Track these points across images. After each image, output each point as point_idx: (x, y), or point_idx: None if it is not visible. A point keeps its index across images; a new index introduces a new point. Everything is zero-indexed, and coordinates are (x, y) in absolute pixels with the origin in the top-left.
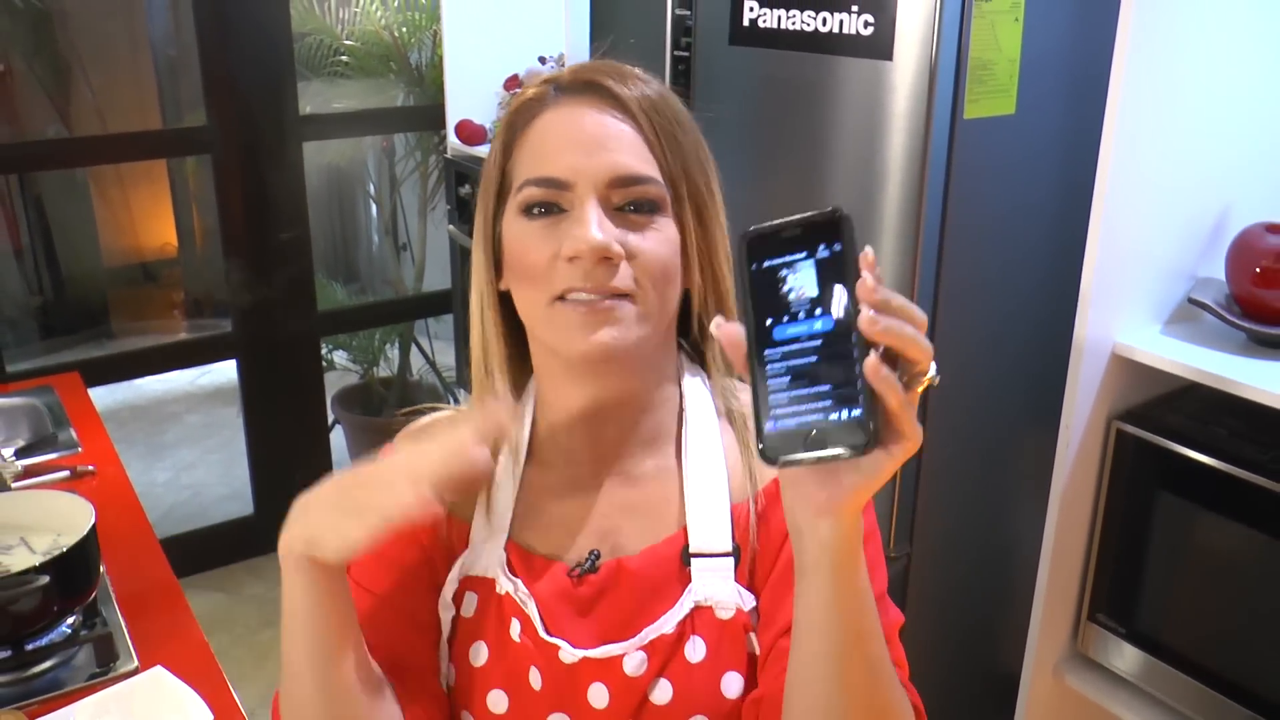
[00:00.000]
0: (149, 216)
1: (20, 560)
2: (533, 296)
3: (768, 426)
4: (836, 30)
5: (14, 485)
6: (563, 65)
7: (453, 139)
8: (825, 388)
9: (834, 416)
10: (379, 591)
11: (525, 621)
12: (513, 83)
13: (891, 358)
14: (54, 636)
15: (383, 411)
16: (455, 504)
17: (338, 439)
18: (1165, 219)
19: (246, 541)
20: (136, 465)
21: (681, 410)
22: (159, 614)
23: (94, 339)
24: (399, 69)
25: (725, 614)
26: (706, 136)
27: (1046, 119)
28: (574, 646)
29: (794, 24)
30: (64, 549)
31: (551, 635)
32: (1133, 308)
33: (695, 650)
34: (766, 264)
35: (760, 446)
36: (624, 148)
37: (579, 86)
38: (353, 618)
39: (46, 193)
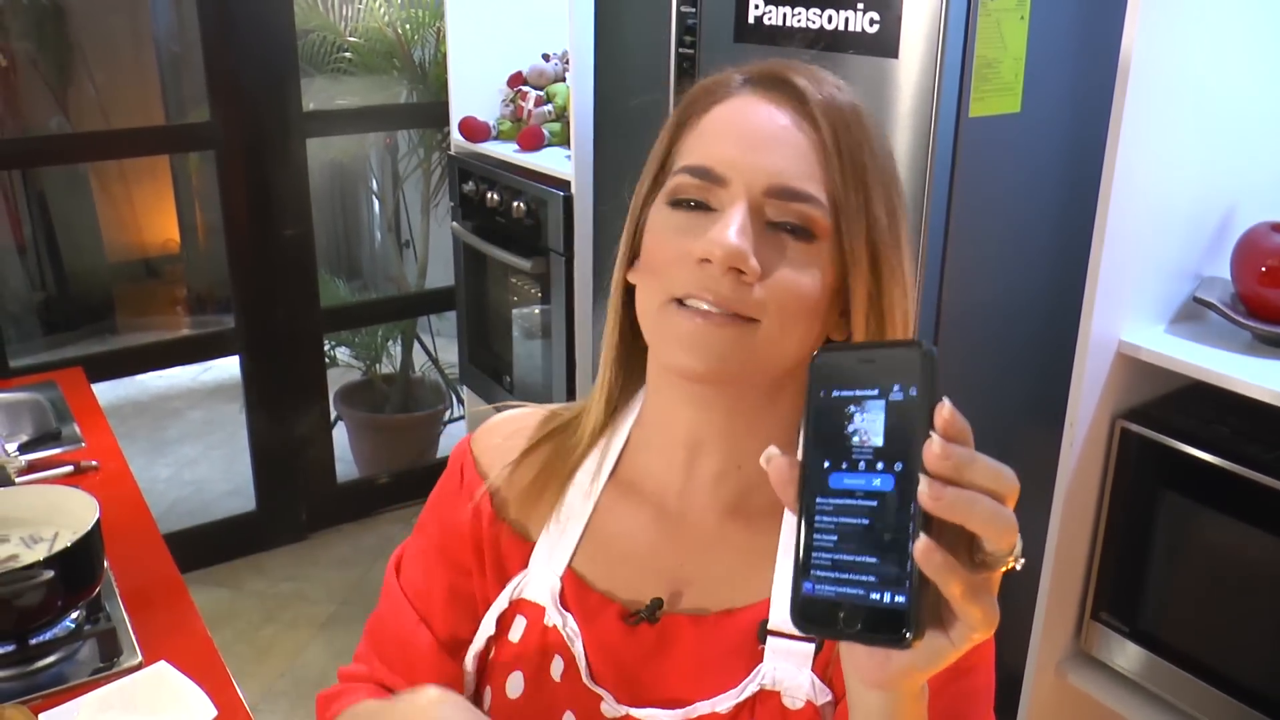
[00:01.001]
0: (152, 212)
1: (24, 555)
2: (651, 293)
3: (805, 588)
4: (841, 27)
5: (18, 480)
6: (566, 63)
7: (456, 136)
8: (873, 560)
9: (876, 597)
10: (416, 604)
11: (569, 662)
12: (516, 80)
13: (967, 533)
14: (58, 631)
15: (385, 409)
16: (518, 522)
17: (340, 436)
18: (1171, 218)
19: (249, 537)
20: (139, 461)
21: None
22: (162, 609)
23: (97, 335)
24: (402, 66)
25: (794, 704)
26: None
27: (1052, 117)
28: (618, 701)
29: (799, 21)
30: (68, 544)
31: (596, 684)
32: (1138, 306)
33: None
34: (835, 395)
35: (792, 610)
36: (793, 154)
37: (767, 80)
38: None
39: (49, 188)
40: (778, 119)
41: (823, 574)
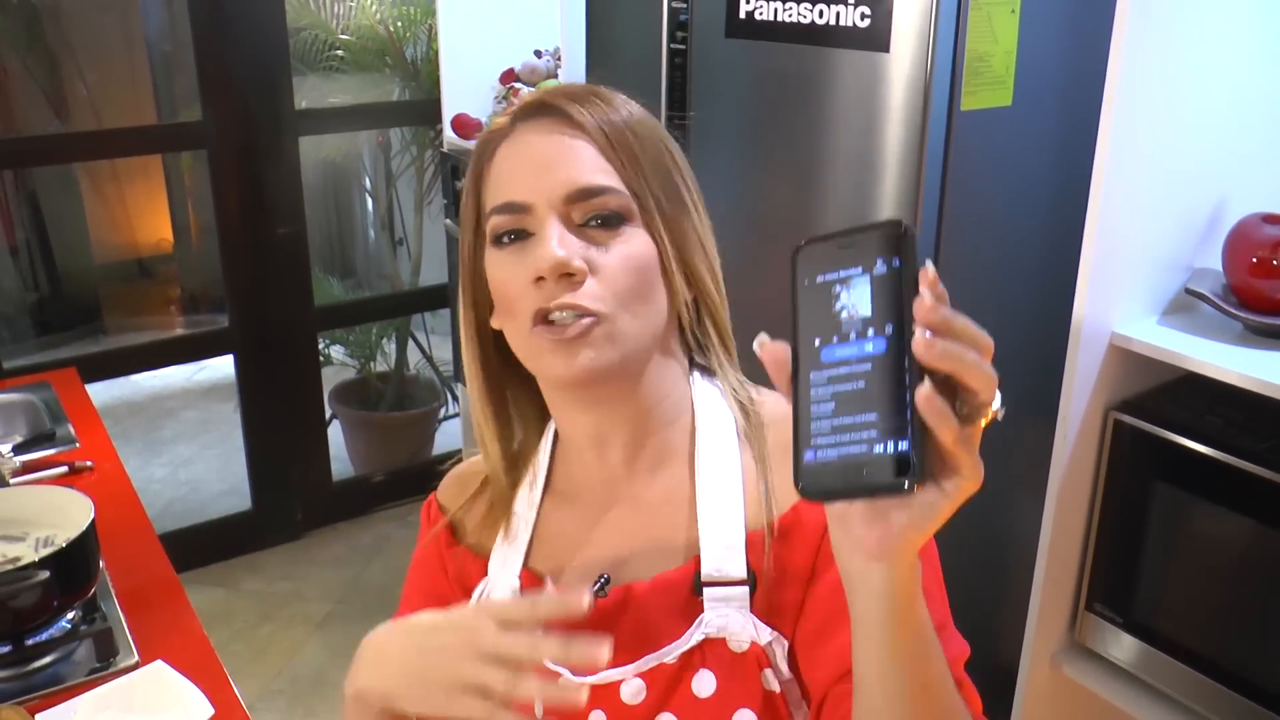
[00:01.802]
0: (144, 212)
1: (19, 556)
2: (514, 328)
3: (806, 457)
4: (833, 22)
5: (12, 481)
6: (558, 59)
7: (449, 133)
8: (872, 416)
9: (879, 449)
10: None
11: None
12: (509, 76)
13: (951, 386)
14: (54, 632)
15: (380, 407)
16: (477, 544)
17: (335, 434)
18: (1162, 210)
19: (244, 537)
20: (134, 461)
21: (694, 427)
22: (159, 609)
23: (90, 335)
24: (394, 63)
25: (739, 647)
26: (702, 131)
27: (1043, 111)
28: (574, 674)
29: (790, 16)
30: (64, 544)
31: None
32: (1130, 298)
33: (703, 684)
34: (819, 279)
35: (796, 479)
36: (579, 162)
37: (534, 110)
38: None
39: (41, 189)
40: (552, 139)
41: (824, 440)
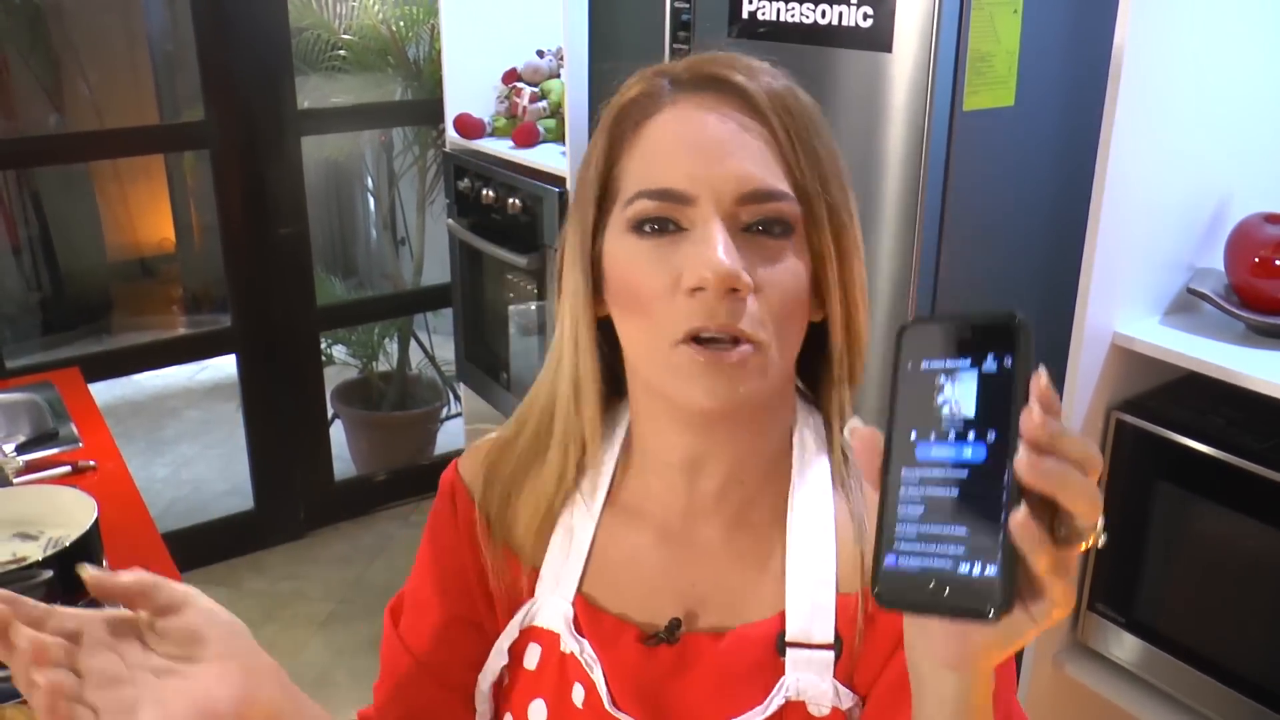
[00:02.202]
0: (147, 212)
1: (23, 555)
2: (648, 336)
3: (887, 561)
4: (835, 22)
5: (15, 481)
6: (561, 59)
7: (451, 133)
8: (962, 531)
9: (965, 569)
10: (417, 652)
11: (590, 689)
12: (511, 76)
13: (1051, 503)
14: None
15: (382, 406)
16: (523, 549)
17: (337, 434)
18: (1164, 209)
19: (246, 537)
20: (136, 461)
21: (792, 468)
22: None
23: (93, 335)
24: (397, 63)
25: (819, 711)
26: None
27: (1046, 111)
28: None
29: (793, 16)
30: (67, 544)
31: (619, 709)
32: (1132, 298)
33: None
34: (925, 366)
35: (874, 583)
36: (754, 156)
37: (699, 81)
38: None
39: (44, 189)
40: (725, 122)
41: (908, 546)
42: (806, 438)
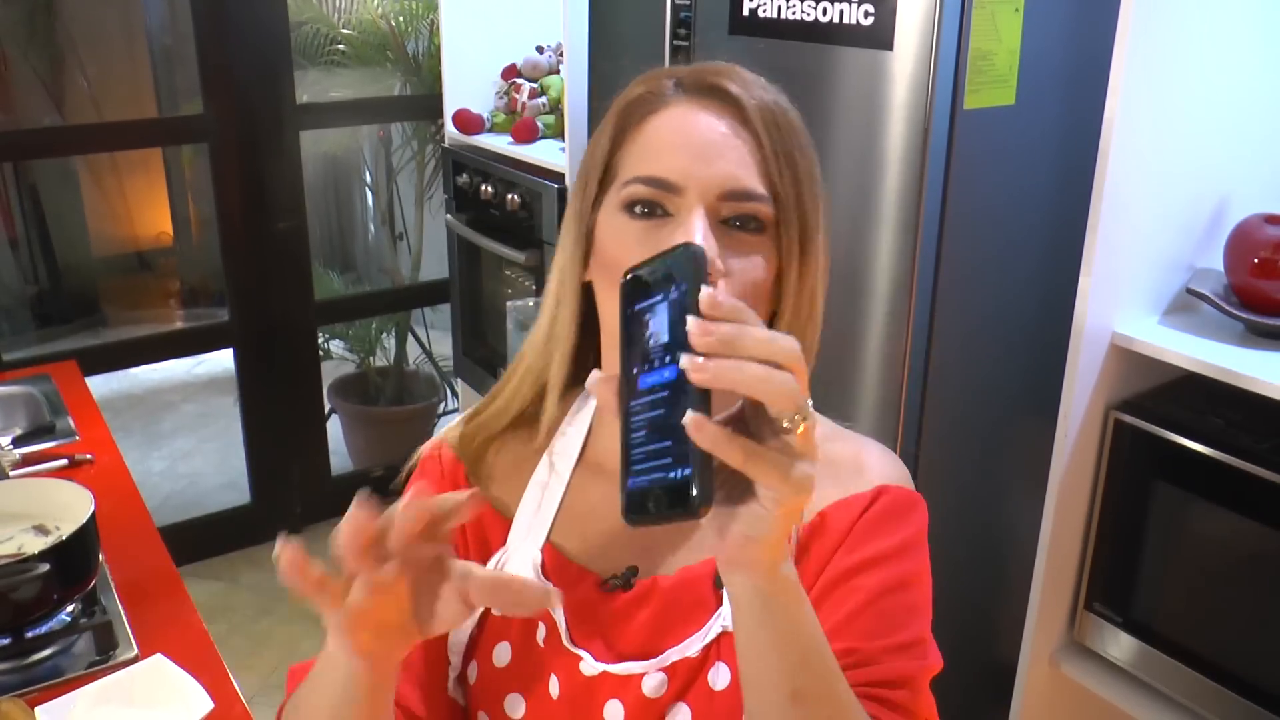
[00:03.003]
0: (144, 205)
1: (19, 548)
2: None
3: (629, 484)
4: (836, 20)
5: (12, 474)
6: (560, 55)
7: (450, 128)
8: (668, 443)
9: (672, 475)
10: None
11: (551, 627)
12: (510, 72)
13: (758, 405)
14: (54, 624)
15: (379, 401)
16: (499, 500)
17: (334, 428)
18: (1164, 210)
19: (243, 530)
20: (133, 454)
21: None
22: (158, 602)
23: (89, 328)
24: (396, 58)
25: None
26: None
27: (1046, 110)
28: (596, 660)
29: (794, 14)
30: (64, 537)
31: (576, 645)
32: (1131, 298)
33: (719, 677)
34: (636, 307)
35: (623, 507)
36: (739, 159)
37: (701, 88)
38: (390, 692)
39: (41, 182)
40: (718, 126)
41: (639, 466)
42: None
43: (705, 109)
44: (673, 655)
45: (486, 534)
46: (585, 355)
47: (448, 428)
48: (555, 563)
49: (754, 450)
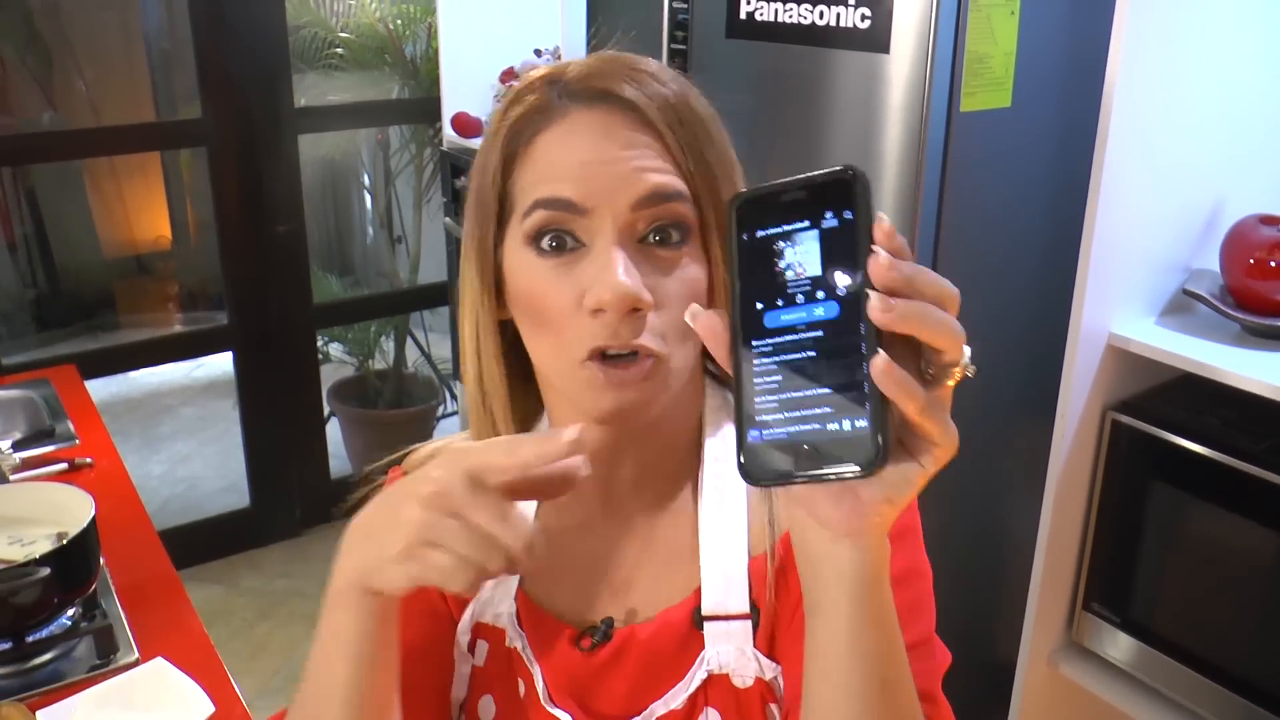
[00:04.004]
0: (143, 209)
1: (20, 553)
2: (554, 353)
3: (750, 437)
4: (833, 23)
5: (12, 478)
6: (558, 58)
7: (448, 131)
8: (825, 390)
9: (834, 426)
10: (405, 638)
11: (530, 685)
12: (508, 75)
13: (915, 346)
14: (54, 629)
15: (378, 404)
16: None
17: (334, 431)
18: (1160, 211)
19: (243, 534)
20: (132, 458)
21: (702, 446)
22: (159, 606)
23: (88, 332)
24: (394, 61)
25: (743, 683)
26: None
27: (1042, 112)
28: None
29: (790, 17)
30: (64, 541)
31: (555, 705)
32: (1128, 299)
33: None
34: (760, 234)
35: (741, 462)
36: (645, 163)
37: (590, 94)
38: (396, 646)
39: (40, 185)
40: (616, 133)
41: (771, 418)
42: (720, 417)
43: (599, 117)
44: (658, 710)
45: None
46: (524, 395)
47: (408, 460)
48: (529, 612)
49: (931, 401)
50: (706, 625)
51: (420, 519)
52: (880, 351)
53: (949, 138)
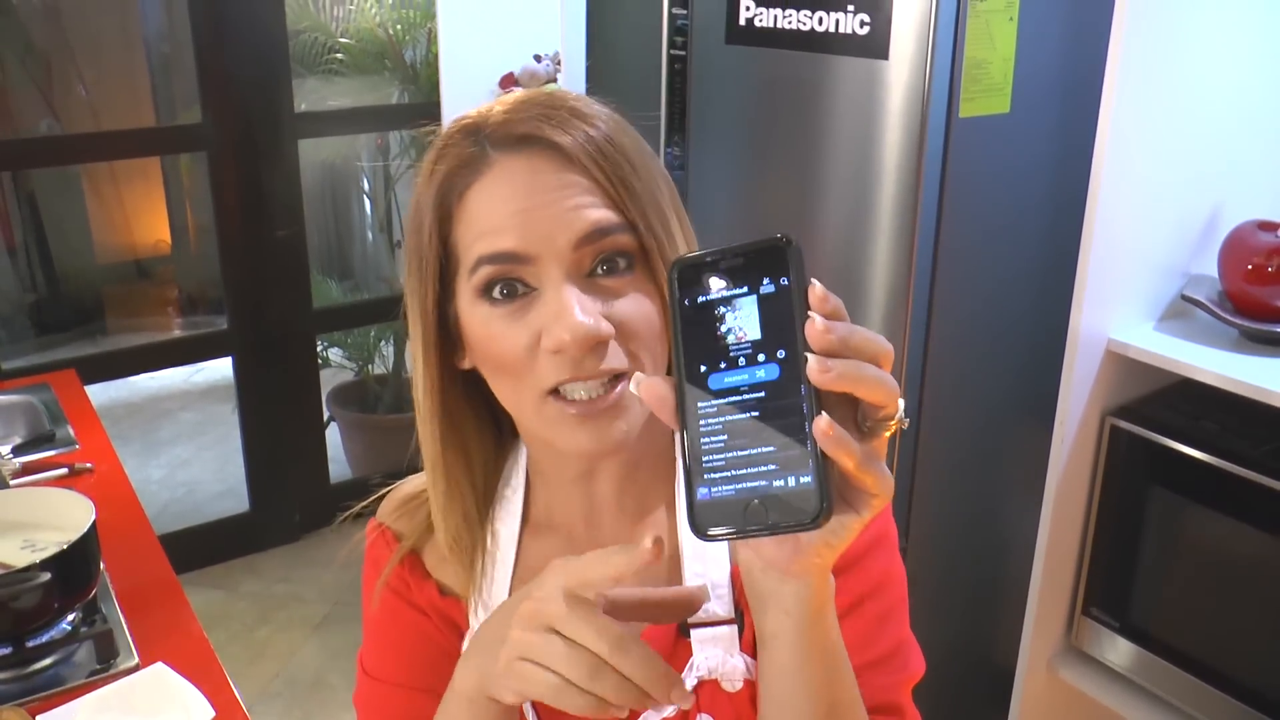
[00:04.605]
0: (143, 213)
1: (20, 558)
2: (517, 395)
3: (700, 494)
4: (832, 29)
5: (12, 483)
6: (558, 64)
7: None
8: (770, 449)
9: (780, 483)
10: (406, 682)
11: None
12: (508, 80)
13: (852, 402)
14: (55, 633)
15: (378, 409)
16: (446, 585)
17: (333, 436)
18: (1158, 217)
19: (242, 539)
20: (131, 463)
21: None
22: (159, 610)
23: (88, 336)
24: (394, 66)
25: (732, 687)
26: (702, 137)
27: (1041, 118)
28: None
29: (790, 23)
30: (64, 546)
31: None
32: (1126, 305)
33: None
34: (701, 300)
35: (692, 518)
36: (574, 197)
37: (514, 141)
38: None
39: (40, 190)
40: (545, 176)
41: (719, 475)
42: None
43: (524, 161)
44: (651, 719)
45: (451, 615)
46: (487, 442)
47: (382, 507)
48: None
49: (867, 454)
50: (693, 632)
51: (516, 636)
52: (823, 414)
53: (948, 143)
